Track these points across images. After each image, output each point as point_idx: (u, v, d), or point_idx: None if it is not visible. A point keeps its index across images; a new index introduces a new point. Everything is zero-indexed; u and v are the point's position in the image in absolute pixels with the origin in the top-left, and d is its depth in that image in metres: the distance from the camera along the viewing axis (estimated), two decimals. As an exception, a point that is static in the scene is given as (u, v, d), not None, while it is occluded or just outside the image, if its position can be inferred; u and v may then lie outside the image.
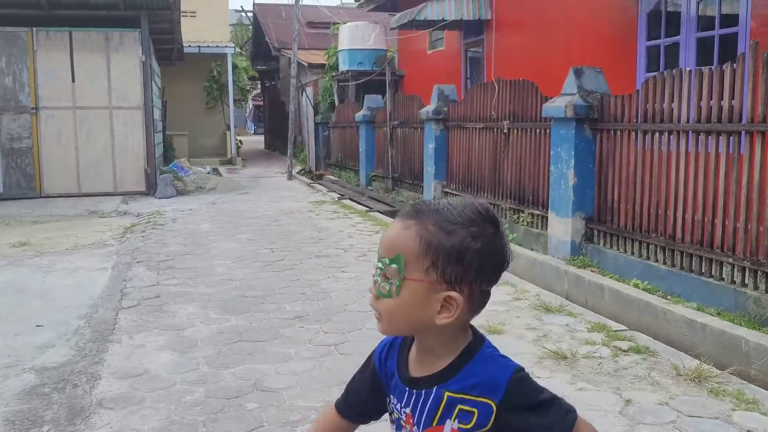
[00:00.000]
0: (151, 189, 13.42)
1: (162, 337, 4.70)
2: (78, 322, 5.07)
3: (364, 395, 1.42)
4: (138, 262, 7.16)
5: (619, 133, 6.06)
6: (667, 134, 5.54)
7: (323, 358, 4.24)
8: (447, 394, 1.26)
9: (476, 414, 1.24)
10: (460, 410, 1.25)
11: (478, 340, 1.31)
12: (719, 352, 4.29)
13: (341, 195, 12.93)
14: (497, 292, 5.78)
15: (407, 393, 1.32)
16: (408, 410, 1.31)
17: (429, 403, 1.28)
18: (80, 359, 4.30)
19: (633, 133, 5.89)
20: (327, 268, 6.72)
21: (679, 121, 5.36)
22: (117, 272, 6.70)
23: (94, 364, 4.20)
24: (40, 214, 11.03)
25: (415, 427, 1.30)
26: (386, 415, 1.42)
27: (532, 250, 7.06)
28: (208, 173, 16.84)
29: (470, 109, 8.98)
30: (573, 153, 6.37)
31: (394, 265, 1.24)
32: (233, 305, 5.44)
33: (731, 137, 4.94)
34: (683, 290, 5.24)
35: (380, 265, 1.26)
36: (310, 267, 6.80)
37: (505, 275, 6.49)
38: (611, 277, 5.84)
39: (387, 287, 1.25)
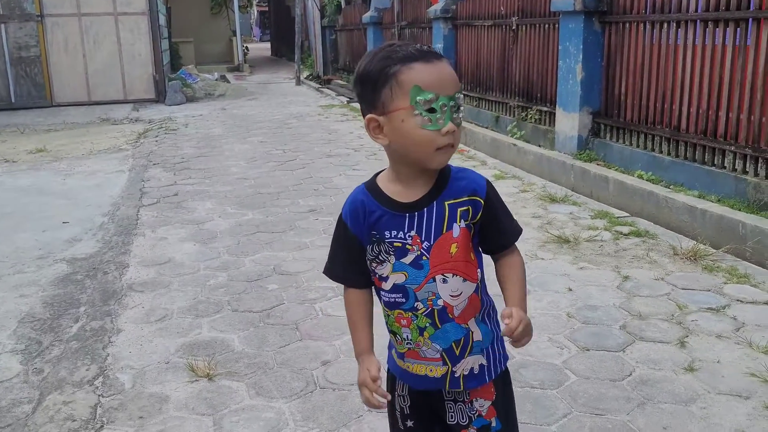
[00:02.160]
0: (160, 96, 13.48)
1: (183, 230, 4.92)
2: (102, 219, 5.30)
3: (360, 259, 1.57)
4: (154, 164, 7.34)
5: (627, 25, 6.03)
6: (675, 25, 5.53)
7: (337, 246, 4.45)
8: (446, 203, 1.50)
9: (470, 210, 1.51)
10: (461, 212, 1.50)
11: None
12: (717, 236, 4.47)
13: (350, 98, 12.94)
14: (504, 185, 5.96)
15: (407, 218, 1.50)
16: (413, 232, 1.50)
17: (434, 216, 1.49)
18: (107, 250, 4.54)
19: (641, 25, 5.88)
20: (338, 167, 6.88)
21: (687, 10, 5.35)
22: (134, 174, 6.89)
23: (121, 255, 4.44)
24: (53, 122, 11.16)
25: (425, 242, 1.49)
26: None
27: (540, 146, 7.17)
28: (216, 80, 16.79)
29: (479, 6, 8.86)
30: (581, 47, 6.37)
31: (461, 95, 1.48)
32: (249, 201, 5.65)
33: (738, 26, 4.94)
34: (686, 179, 5.38)
35: (454, 99, 1.43)
36: (321, 166, 6.96)
37: (513, 170, 6.68)
38: (616, 170, 5.97)
39: (461, 116, 1.46)
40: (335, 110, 11.59)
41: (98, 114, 11.89)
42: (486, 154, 7.55)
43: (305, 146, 8.13)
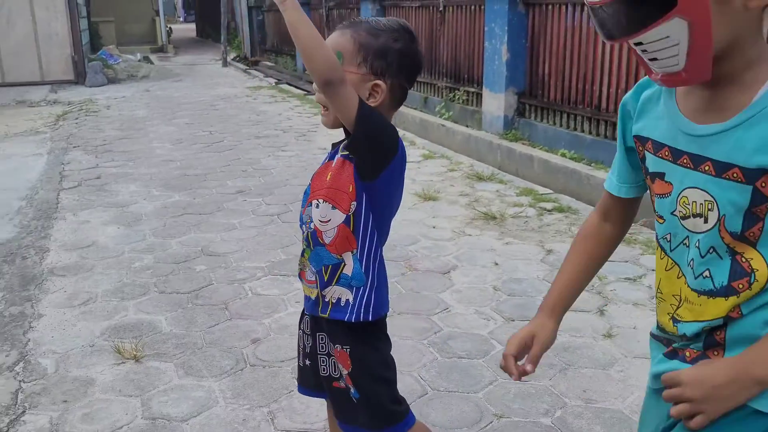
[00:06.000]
0: (80, 77, 12.99)
1: (106, 213, 4.79)
2: (19, 203, 5.10)
3: None
4: (74, 147, 7.09)
5: (550, 7, 6.17)
6: (595, 7, 5.70)
7: (266, 226, 4.43)
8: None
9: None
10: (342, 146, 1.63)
11: None
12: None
13: (278, 80, 12.79)
14: (432, 164, 6.03)
15: (328, 153, 1.67)
16: (324, 164, 1.64)
17: (333, 153, 1.64)
18: (26, 235, 4.38)
19: (563, 7, 6.02)
20: (267, 148, 6.81)
21: (606, -7, 5.51)
22: (54, 157, 6.65)
23: (41, 239, 4.29)
24: (-36, 104, 10.62)
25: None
26: None
27: (467, 126, 7.27)
28: (139, 61, 16.30)
29: (406, -13, 8.89)
30: (506, 28, 6.48)
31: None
32: (175, 183, 5.53)
33: (654, 8, 5.13)
34: (606, 157, 5.57)
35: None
36: (250, 147, 6.88)
37: (441, 150, 6.75)
38: (541, 149, 6.12)
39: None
40: (263, 92, 11.44)
41: (13, 96, 11.37)
42: (415, 134, 7.62)
43: (233, 128, 8.01)
